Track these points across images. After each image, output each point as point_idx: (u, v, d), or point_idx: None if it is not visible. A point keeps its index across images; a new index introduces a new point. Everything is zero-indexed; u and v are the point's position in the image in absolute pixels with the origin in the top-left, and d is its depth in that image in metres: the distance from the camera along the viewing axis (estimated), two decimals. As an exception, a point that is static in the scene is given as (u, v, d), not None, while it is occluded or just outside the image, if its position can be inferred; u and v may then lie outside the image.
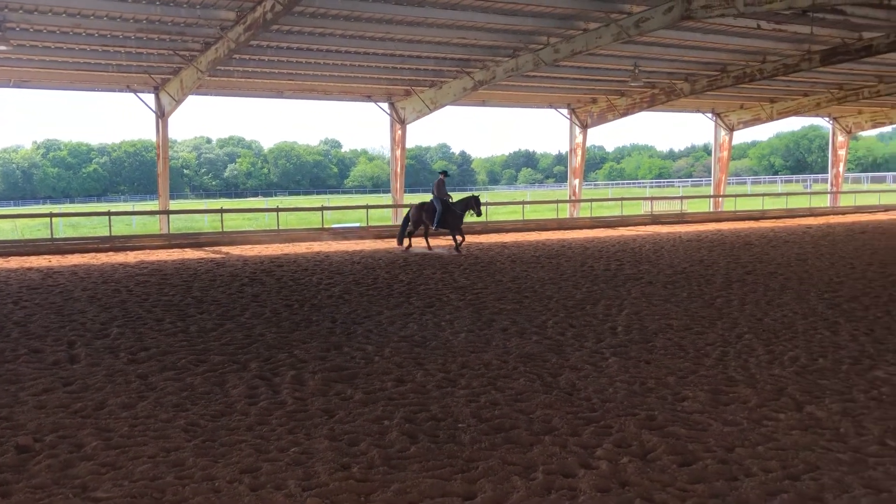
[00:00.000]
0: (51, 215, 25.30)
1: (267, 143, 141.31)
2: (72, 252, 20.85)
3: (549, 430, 5.82)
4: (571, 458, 5.22)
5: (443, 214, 19.14)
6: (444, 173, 19.93)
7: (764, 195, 40.01)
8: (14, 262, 18.50)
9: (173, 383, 7.25)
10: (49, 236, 23.29)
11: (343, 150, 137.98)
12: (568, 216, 31.61)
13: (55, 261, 18.85)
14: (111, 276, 15.42)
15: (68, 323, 10.37)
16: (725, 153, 36.54)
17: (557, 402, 6.54)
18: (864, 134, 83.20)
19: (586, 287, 13.18)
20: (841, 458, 5.17)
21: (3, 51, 17.16)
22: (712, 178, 37.68)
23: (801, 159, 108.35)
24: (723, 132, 36.00)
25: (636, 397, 6.65)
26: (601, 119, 31.17)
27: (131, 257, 19.50)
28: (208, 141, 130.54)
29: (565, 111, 31.83)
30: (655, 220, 31.40)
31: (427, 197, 20.80)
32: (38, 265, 17.85)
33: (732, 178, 78.03)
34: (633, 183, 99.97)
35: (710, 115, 35.75)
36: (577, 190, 32.55)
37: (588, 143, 33.36)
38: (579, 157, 32.31)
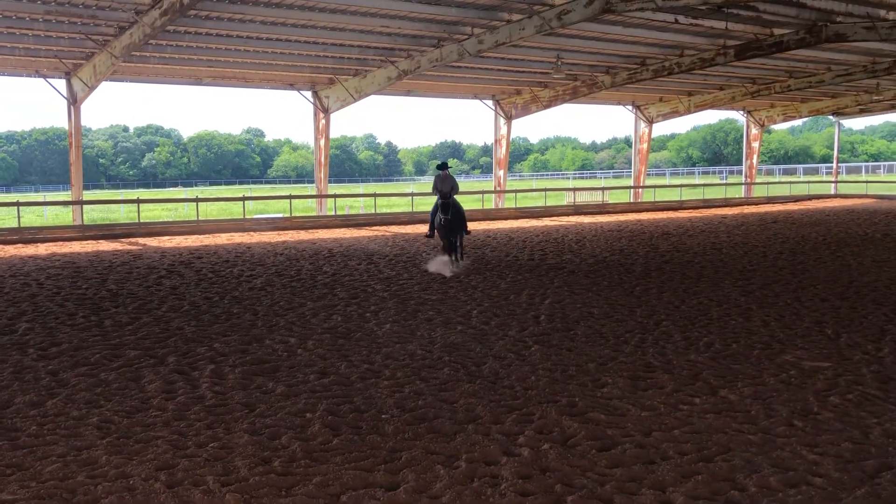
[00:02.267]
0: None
1: (187, 132, 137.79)
2: (-23, 244, 19.85)
3: (472, 419, 5.86)
4: (494, 446, 5.27)
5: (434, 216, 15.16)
6: (442, 166, 15.27)
7: (682, 186, 41.15)
8: (-87, 256, 17.50)
9: (86, 379, 6.99)
10: (-48, 228, 22.13)
11: (266, 140, 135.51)
12: (493, 207, 31.85)
13: (-41, 253, 17.92)
14: (20, 269, 14.76)
15: (-28, 318, 9.87)
16: (645, 145, 37.43)
17: (481, 390, 6.58)
18: (776, 127, 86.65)
19: (510, 277, 13.31)
20: (751, 440, 5.37)
21: None
22: (633, 170, 38.55)
23: (717, 151, 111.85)
24: (643, 124, 36.85)
25: (558, 384, 6.75)
26: (525, 111, 31.48)
27: (42, 249, 18.70)
28: (125, 129, 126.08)
29: (490, 102, 32.00)
30: (578, 210, 31.94)
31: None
32: (-61, 258, 16.93)
33: (652, 169, 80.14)
34: (557, 174, 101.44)
35: (630, 107, 36.54)
36: (502, 181, 32.81)
37: (513, 135, 33.71)
38: (504, 149, 32.55)
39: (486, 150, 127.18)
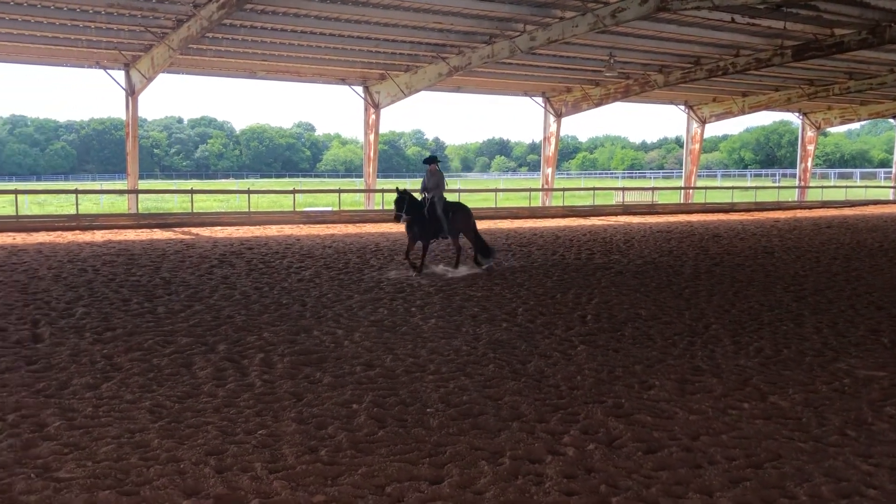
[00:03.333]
0: (16, 192, 24.85)
1: (239, 125, 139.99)
2: (37, 230, 20.47)
3: (517, 417, 5.85)
4: (538, 445, 5.26)
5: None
6: (430, 160, 13.84)
7: (733, 188, 40.45)
8: (-23, 239, 18.14)
9: (139, 364, 7.17)
10: (14, 213, 22.86)
11: (316, 134, 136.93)
12: (540, 205, 31.71)
13: (20, 238, 18.50)
14: (77, 255, 15.18)
15: (32, 301, 10.19)
16: (697, 146, 36.87)
17: (526, 388, 6.57)
18: (832, 130, 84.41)
19: (557, 275, 13.24)
20: (802, 448, 5.26)
21: (-33, 22, 16.73)
22: (683, 170, 38.01)
23: (770, 154, 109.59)
24: (695, 125, 36.30)
25: (604, 385, 6.70)
26: (575, 108, 31.26)
27: (98, 237, 19.20)
28: (179, 121, 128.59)
29: (540, 99, 31.85)
30: (627, 210, 31.61)
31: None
32: (2, 242, 17.51)
33: (703, 170, 78.88)
34: (606, 173, 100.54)
35: (682, 107, 36.01)
36: (549, 179, 32.64)
37: (562, 133, 33.48)
38: (553, 146, 32.39)
39: (534, 148, 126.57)
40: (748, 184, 59.91)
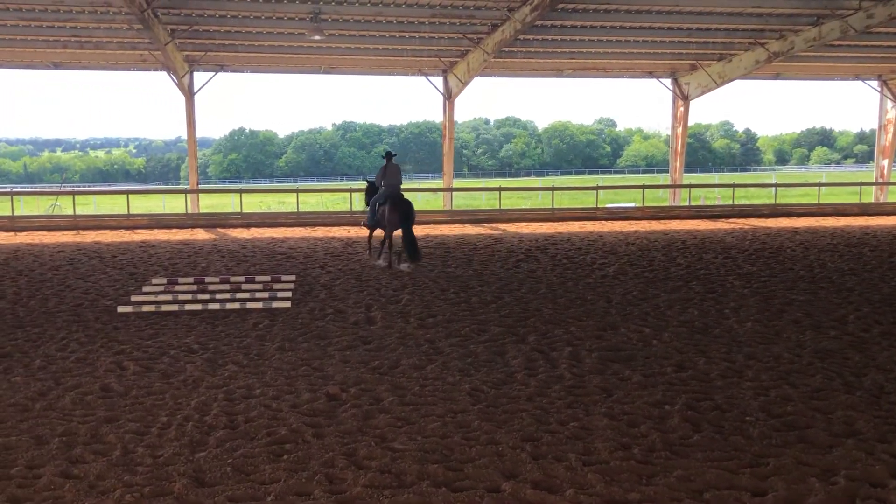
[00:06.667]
0: (350, 191, 27.83)
1: (541, 123, 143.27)
2: (366, 224, 22.76)
3: (851, 434, 5.31)
4: (880, 467, 4.72)
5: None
6: (386, 156, 14.19)
7: None
8: (319, 232, 20.68)
9: (458, 349, 7.67)
10: (348, 209, 25.65)
11: (617, 129, 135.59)
12: (873, 201, 28.33)
13: (353, 231, 20.73)
14: (399, 247, 16.59)
15: (366, 288, 11.38)
16: None
17: (861, 403, 5.94)
18: None
19: None
20: None
21: (317, 40, 19.06)
22: None
23: None
24: None
25: (962, 408, 5.82)
26: (920, 91, 27.40)
27: (417, 231, 20.78)
28: (486, 122, 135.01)
29: (874, 83, 28.41)
30: (985, 207, 27.03)
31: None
32: (339, 235, 19.76)
33: None
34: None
35: None
36: (885, 171, 29.00)
37: (899, 119, 29.50)
38: (890, 135, 28.68)
39: (863, 138, 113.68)
40: None
